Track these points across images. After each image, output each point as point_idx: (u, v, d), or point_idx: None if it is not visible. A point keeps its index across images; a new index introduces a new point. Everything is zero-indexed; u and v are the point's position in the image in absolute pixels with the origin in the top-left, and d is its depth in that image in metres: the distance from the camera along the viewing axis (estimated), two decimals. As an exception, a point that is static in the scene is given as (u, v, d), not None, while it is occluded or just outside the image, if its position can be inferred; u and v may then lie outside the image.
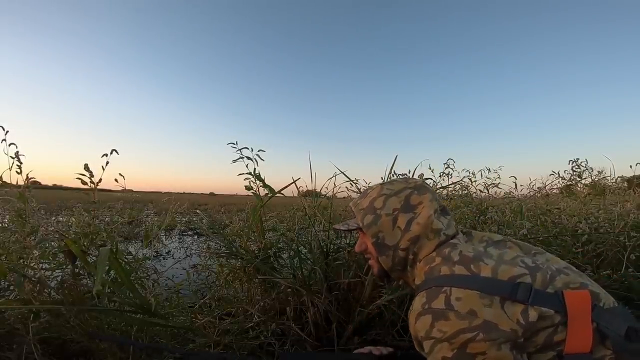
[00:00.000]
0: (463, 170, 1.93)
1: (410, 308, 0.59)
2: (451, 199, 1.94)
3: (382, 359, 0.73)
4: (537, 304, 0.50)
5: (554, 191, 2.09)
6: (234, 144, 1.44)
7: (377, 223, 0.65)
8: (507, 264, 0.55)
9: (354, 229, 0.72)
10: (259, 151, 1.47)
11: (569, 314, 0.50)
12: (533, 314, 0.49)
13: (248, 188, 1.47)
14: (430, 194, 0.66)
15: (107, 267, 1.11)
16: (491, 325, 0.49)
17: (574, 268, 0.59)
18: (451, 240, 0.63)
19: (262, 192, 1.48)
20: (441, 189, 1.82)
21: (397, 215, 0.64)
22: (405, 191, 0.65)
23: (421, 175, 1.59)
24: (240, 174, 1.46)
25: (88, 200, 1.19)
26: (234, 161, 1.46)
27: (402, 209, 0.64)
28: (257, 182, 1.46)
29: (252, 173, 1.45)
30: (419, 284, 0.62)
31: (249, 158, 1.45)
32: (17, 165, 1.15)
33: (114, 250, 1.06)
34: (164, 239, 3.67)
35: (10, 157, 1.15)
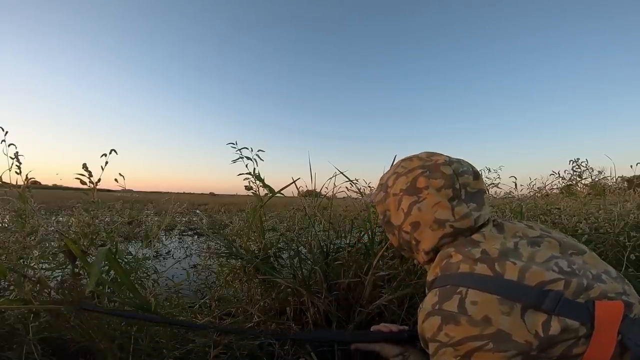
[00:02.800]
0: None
1: (421, 305, 0.55)
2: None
3: (392, 336, 0.70)
4: (563, 314, 0.45)
5: (554, 191, 2.09)
6: (233, 144, 1.44)
7: (385, 201, 0.64)
8: (538, 266, 0.49)
9: (369, 203, 0.70)
10: (258, 151, 1.47)
11: (597, 326, 0.45)
12: (556, 326, 0.44)
13: (248, 188, 1.47)
14: (444, 179, 0.57)
15: (106, 267, 1.12)
16: (504, 336, 0.44)
17: (613, 271, 0.53)
18: (473, 236, 0.56)
19: (262, 192, 1.48)
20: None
21: (402, 197, 0.61)
22: (416, 171, 0.60)
23: None
24: (240, 174, 1.46)
25: (88, 200, 1.19)
26: (234, 161, 1.46)
27: (407, 191, 0.60)
28: (257, 182, 1.46)
29: (252, 173, 1.45)
30: (432, 279, 0.57)
31: (248, 158, 1.45)
32: (17, 165, 1.16)
33: (114, 250, 1.06)
34: (164, 239, 3.67)
35: (10, 157, 1.15)
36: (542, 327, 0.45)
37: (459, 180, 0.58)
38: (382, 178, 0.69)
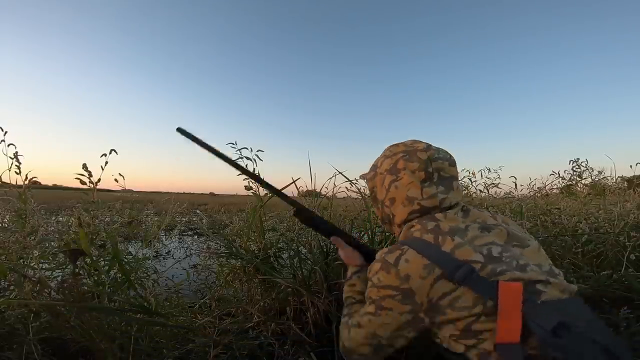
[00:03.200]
0: (463, 170, 1.94)
1: None
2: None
3: (363, 248, 0.83)
4: (468, 286, 0.52)
5: (554, 191, 2.09)
6: (233, 144, 1.44)
7: (374, 179, 0.75)
8: (471, 246, 0.56)
9: (363, 179, 0.82)
10: (258, 151, 1.47)
11: (499, 304, 0.51)
12: (457, 295, 0.53)
13: (248, 188, 1.47)
14: (419, 163, 0.66)
15: (106, 267, 1.12)
16: (410, 294, 0.56)
17: (547, 266, 0.57)
18: (437, 215, 0.64)
19: (262, 192, 1.48)
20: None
21: (385, 176, 0.71)
22: (398, 155, 0.69)
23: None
24: (239, 174, 1.46)
25: (88, 200, 1.19)
26: (239, 158, 1.45)
27: (389, 171, 0.70)
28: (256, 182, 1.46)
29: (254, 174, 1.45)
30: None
31: (248, 158, 1.45)
32: (17, 165, 1.16)
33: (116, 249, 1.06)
34: (164, 239, 3.67)
35: (10, 157, 1.15)
36: (442, 294, 0.54)
37: (432, 165, 0.66)
38: (375, 160, 0.79)
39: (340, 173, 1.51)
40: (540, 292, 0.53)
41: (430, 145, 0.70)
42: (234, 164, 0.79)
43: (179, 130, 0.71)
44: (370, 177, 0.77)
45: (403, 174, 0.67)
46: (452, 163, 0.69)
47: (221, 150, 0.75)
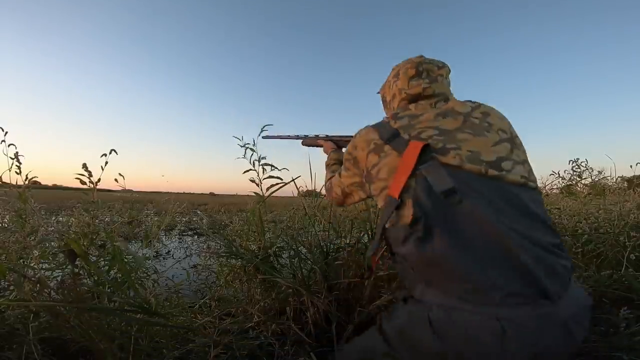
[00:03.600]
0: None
1: None
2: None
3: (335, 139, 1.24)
4: (390, 144, 0.65)
5: (554, 191, 2.09)
6: (239, 138, 1.43)
7: (384, 87, 0.90)
8: (415, 125, 0.66)
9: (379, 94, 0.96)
10: (265, 125, 1.43)
11: (401, 159, 0.60)
12: (383, 163, 0.65)
13: (252, 180, 1.45)
14: (411, 64, 0.78)
15: (106, 267, 1.11)
16: (356, 162, 0.75)
17: (497, 159, 0.59)
18: (411, 104, 0.76)
19: (263, 189, 1.47)
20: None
21: (390, 81, 0.85)
22: (400, 65, 0.82)
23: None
24: (246, 171, 1.45)
25: (88, 200, 1.19)
26: (243, 154, 1.43)
27: (393, 77, 0.83)
28: (264, 172, 1.44)
29: (259, 162, 1.43)
30: None
31: (252, 150, 1.42)
32: (17, 165, 1.16)
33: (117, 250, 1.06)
34: (164, 239, 3.67)
35: (10, 157, 1.15)
36: (372, 165, 0.68)
37: (422, 66, 0.77)
38: None
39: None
40: (449, 156, 0.58)
41: (430, 58, 0.82)
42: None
43: (265, 137, 1.04)
44: (383, 86, 0.92)
45: (400, 76, 0.80)
46: (442, 66, 0.78)
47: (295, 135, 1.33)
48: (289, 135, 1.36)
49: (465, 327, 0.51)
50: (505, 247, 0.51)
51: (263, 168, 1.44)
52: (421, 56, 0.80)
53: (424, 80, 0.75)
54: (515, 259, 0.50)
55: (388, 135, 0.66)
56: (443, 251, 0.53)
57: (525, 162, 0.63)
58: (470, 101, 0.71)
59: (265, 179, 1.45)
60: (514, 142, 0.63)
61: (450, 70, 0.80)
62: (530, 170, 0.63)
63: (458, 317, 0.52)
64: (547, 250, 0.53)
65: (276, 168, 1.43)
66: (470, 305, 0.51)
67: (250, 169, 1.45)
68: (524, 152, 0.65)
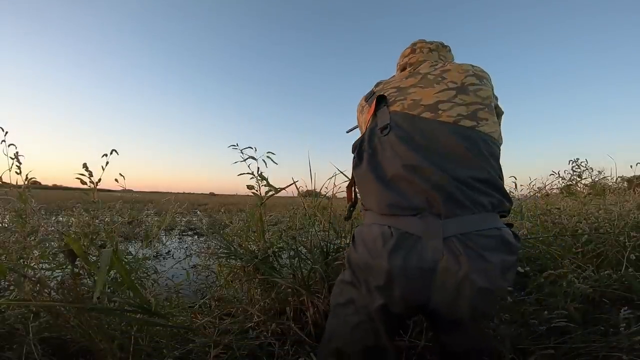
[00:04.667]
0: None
1: None
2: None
3: None
4: (368, 102, 0.82)
5: (554, 191, 2.09)
6: (235, 146, 1.43)
7: (398, 61, 0.98)
8: (386, 86, 0.80)
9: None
10: (268, 153, 1.44)
11: (370, 108, 0.80)
12: (364, 109, 0.85)
13: (250, 187, 1.46)
14: (410, 46, 0.91)
15: (107, 267, 1.11)
16: (358, 110, 0.90)
17: (436, 102, 0.69)
18: (396, 74, 0.90)
19: (263, 191, 1.47)
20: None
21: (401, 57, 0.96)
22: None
23: None
24: (241, 174, 1.45)
25: (88, 200, 1.19)
26: (244, 160, 1.44)
27: (401, 55, 0.95)
28: (260, 181, 1.45)
29: (255, 174, 1.43)
30: None
31: (253, 158, 1.43)
32: (17, 165, 1.16)
33: (115, 249, 1.06)
34: (164, 239, 3.67)
35: (10, 157, 1.15)
36: (361, 113, 0.87)
37: (416, 45, 0.89)
38: None
39: (342, 172, 1.50)
40: (396, 104, 0.73)
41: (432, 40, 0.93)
42: None
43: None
44: (397, 61, 1.01)
45: (400, 55, 0.94)
46: (432, 42, 0.89)
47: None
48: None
49: (369, 237, 0.64)
50: (410, 171, 0.63)
51: (262, 178, 1.44)
52: (421, 39, 0.92)
53: (414, 55, 0.89)
54: (417, 183, 0.61)
55: (368, 96, 0.85)
56: (364, 172, 0.70)
57: (471, 104, 0.68)
58: (457, 64, 0.78)
59: (263, 186, 1.46)
60: (462, 89, 0.71)
61: (443, 45, 0.91)
62: (477, 110, 0.68)
63: (366, 230, 0.66)
64: (455, 179, 0.61)
65: (273, 187, 1.44)
66: (376, 216, 0.66)
67: (247, 173, 1.45)
68: (476, 96, 0.70)
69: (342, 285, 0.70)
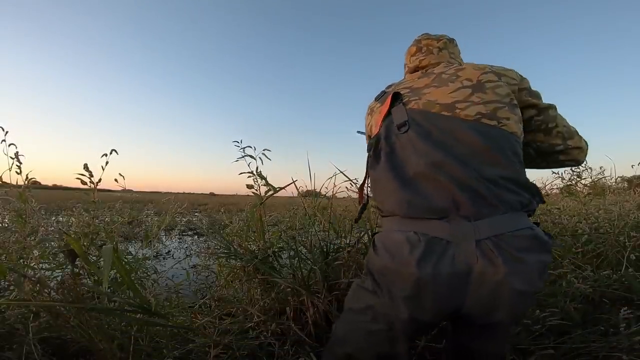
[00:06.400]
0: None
1: None
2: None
3: None
4: (379, 101, 0.80)
5: (554, 191, 2.09)
6: (237, 142, 1.44)
7: (405, 61, 0.94)
8: (398, 87, 0.77)
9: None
10: (264, 150, 1.45)
11: (382, 106, 0.76)
12: (373, 110, 0.81)
13: (250, 186, 1.46)
14: (415, 43, 0.87)
15: (110, 262, 1.11)
16: (369, 127, 0.83)
17: (453, 102, 0.66)
18: (407, 76, 0.86)
19: (263, 190, 1.48)
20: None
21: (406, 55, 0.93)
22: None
23: None
24: (241, 173, 1.45)
25: (88, 200, 1.19)
26: (241, 158, 1.44)
27: (407, 53, 0.91)
28: (260, 180, 1.45)
29: (255, 172, 1.44)
30: None
31: (252, 157, 1.44)
32: (17, 165, 1.16)
33: (115, 249, 1.06)
34: (164, 239, 3.67)
35: (10, 157, 1.15)
36: (371, 116, 0.81)
37: (422, 43, 0.85)
38: None
39: (342, 172, 1.50)
40: (411, 103, 0.69)
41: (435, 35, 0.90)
42: None
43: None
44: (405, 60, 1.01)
45: (406, 53, 0.90)
46: (440, 39, 0.85)
47: None
48: None
49: (392, 243, 0.60)
50: (433, 168, 0.59)
51: (261, 177, 1.44)
52: (425, 34, 0.89)
53: (421, 56, 0.86)
54: (442, 181, 0.58)
55: (379, 96, 0.82)
56: (382, 170, 0.66)
57: (490, 102, 0.65)
58: (474, 64, 0.74)
59: (263, 185, 1.46)
60: (478, 87, 0.67)
61: (450, 39, 0.86)
62: (497, 109, 0.64)
63: (389, 236, 0.62)
64: (483, 177, 0.58)
65: (272, 187, 1.44)
66: (398, 221, 0.62)
67: (250, 176, 1.45)
68: (494, 94, 0.66)
69: (360, 291, 0.67)
